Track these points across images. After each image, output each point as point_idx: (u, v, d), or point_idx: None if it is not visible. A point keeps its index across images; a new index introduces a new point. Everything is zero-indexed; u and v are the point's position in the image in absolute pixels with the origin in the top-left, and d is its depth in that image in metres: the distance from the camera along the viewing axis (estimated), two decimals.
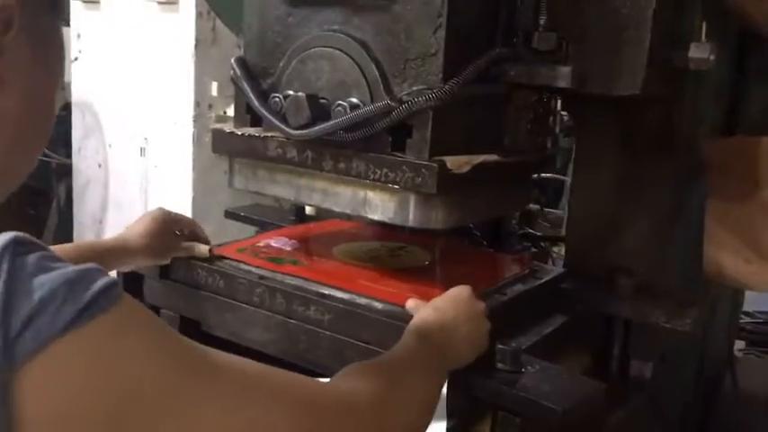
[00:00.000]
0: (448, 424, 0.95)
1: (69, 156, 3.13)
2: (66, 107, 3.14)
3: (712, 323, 1.69)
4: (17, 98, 0.68)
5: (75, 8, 2.92)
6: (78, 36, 2.93)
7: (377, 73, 1.09)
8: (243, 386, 0.65)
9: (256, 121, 1.23)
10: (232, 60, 1.24)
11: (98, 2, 2.83)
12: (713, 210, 1.47)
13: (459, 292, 1.05)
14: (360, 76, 1.10)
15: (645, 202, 1.36)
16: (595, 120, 1.39)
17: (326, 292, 1.16)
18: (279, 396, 0.68)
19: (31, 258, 0.57)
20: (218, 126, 1.27)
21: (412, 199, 1.09)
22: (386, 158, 1.08)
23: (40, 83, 0.71)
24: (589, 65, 1.11)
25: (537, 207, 1.95)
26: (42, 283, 0.55)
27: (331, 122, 1.09)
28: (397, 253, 1.40)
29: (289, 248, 1.38)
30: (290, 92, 1.15)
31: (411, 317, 1.03)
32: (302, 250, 1.38)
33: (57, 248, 1.19)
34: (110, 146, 2.91)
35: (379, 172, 1.09)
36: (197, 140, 2.57)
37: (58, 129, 3.31)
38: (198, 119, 2.56)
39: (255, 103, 1.18)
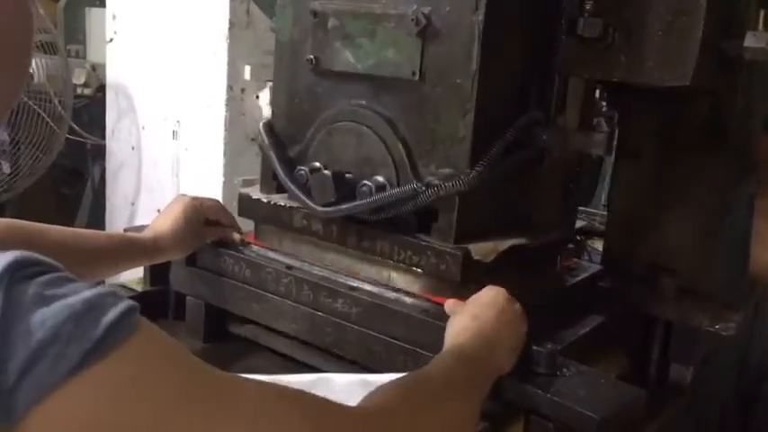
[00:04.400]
0: (478, 427, 0.91)
1: (104, 137, 3.14)
2: (101, 89, 3.14)
3: (756, 325, 1.62)
4: None
5: None
6: (114, 17, 2.92)
7: (403, 152, 1.08)
8: (265, 413, 0.60)
9: (283, 187, 1.21)
10: (260, 126, 1.24)
11: None
12: (762, 208, 1.40)
13: (496, 295, 0.98)
14: (386, 154, 1.09)
15: (689, 199, 1.30)
16: (639, 111, 1.33)
17: (355, 284, 1.12)
18: (307, 424, 0.62)
19: (32, 288, 0.50)
20: (245, 191, 1.28)
21: (437, 284, 1.07)
22: (410, 241, 1.07)
23: None
24: (637, 54, 1.05)
25: None
26: (43, 321, 0.48)
27: (355, 203, 1.08)
28: None
29: None
30: (317, 163, 1.14)
31: (443, 313, 0.99)
32: None
33: (90, 234, 1.17)
34: (143, 128, 2.91)
35: (403, 254, 1.08)
36: (229, 125, 2.55)
37: (92, 110, 3.35)
38: (230, 103, 2.54)
39: (282, 174, 1.18)
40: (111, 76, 3.00)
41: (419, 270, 1.07)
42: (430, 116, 1.06)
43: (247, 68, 2.48)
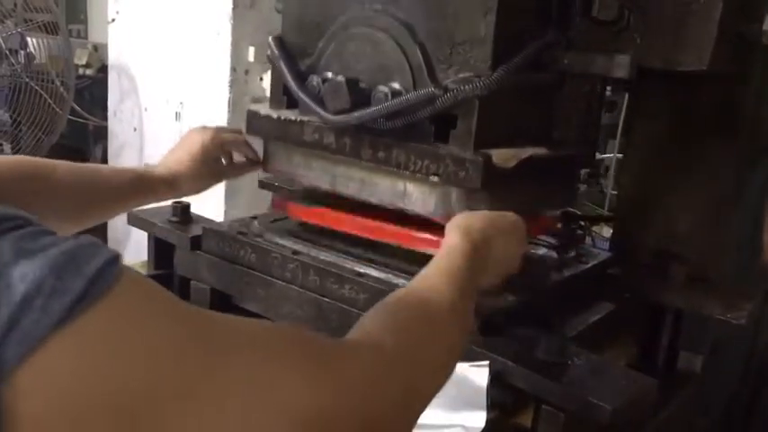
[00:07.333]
0: (488, 415, 0.90)
1: (106, 118, 3.12)
2: (103, 69, 3.12)
3: (765, 313, 1.61)
4: None
5: None
6: None
7: (421, 57, 1.03)
8: (255, 350, 0.56)
9: (293, 103, 1.17)
10: (270, 39, 1.19)
11: None
12: None
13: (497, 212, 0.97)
14: (403, 60, 1.04)
15: (701, 186, 1.28)
16: (651, 95, 1.31)
17: (362, 270, 1.11)
18: (295, 358, 0.58)
19: (8, 241, 0.48)
20: (254, 108, 1.22)
21: (454, 193, 1.04)
22: (428, 149, 1.03)
23: None
24: (652, 37, 1.03)
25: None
26: (25, 274, 0.47)
27: (371, 109, 1.03)
28: None
29: None
30: (329, 74, 1.10)
31: None
32: None
33: (104, 171, 1.13)
34: (145, 109, 2.89)
35: (420, 163, 1.03)
36: (232, 106, 2.52)
37: (94, 91, 3.33)
38: (234, 84, 2.52)
39: (293, 84, 1.13)
40: (113, 56, 2.97)
41: (436, 179, 1.02)
42: (450, 18, 1.01)
43: (251, 50, 2.46)
